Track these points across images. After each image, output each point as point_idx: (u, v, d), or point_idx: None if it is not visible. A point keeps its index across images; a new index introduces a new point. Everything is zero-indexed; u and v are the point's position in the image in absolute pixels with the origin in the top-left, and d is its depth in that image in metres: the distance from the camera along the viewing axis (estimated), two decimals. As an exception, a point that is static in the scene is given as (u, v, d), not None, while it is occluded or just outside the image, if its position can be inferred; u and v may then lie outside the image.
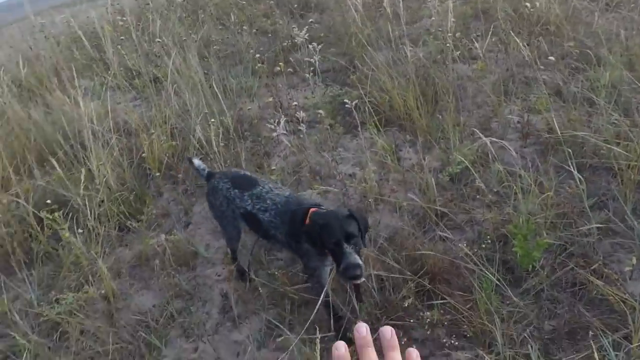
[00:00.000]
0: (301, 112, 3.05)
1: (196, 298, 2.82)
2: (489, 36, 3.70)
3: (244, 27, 5.47)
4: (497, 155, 3.02)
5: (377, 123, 3.54)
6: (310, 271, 2.28)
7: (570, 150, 2.53)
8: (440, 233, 2.45)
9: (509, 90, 3.61)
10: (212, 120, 3.69)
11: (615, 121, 2.73)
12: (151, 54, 5.20)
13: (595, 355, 1.73)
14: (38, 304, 2.86)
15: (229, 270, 2.85)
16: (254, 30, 5.56)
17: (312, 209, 2.17)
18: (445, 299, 2.24)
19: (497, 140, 2.62)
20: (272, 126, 2.96)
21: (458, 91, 3.62)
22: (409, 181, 3.00)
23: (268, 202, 2.36)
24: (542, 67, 3.57)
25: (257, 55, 4.63)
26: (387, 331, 0.68)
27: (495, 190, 2.71)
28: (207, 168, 2.86)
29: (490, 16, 4.52)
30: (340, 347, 0.68)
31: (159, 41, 4.93)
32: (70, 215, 3.26)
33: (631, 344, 1.81)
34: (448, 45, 3.70)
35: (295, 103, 3.36)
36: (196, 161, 2.88)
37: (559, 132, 2.75)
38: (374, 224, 2.81)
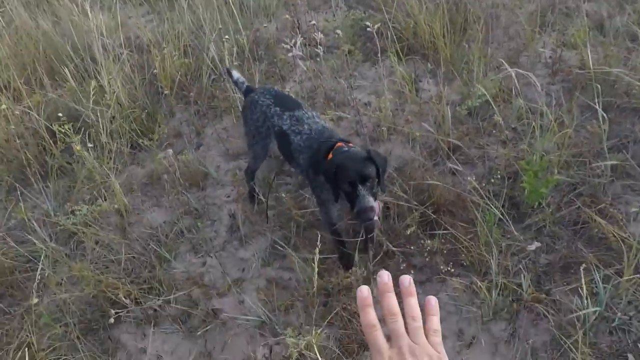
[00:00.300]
0: (319, 33, 3.16)
1: (205, 217, 3.12)
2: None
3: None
4: (521, 91, 3.13)
5: (399, 51, 3.63)
6: (320, 202, 2.48)
7: (599, 87, 2.60)
8: (451, 165, 2.64)
9: (546, 21, 3.62)
10: (227, 37, 3.81)
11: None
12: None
13: (584, 287, 1.97)
14: (54, 214, 3.20)
15: (238, 191, 3.12)
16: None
17: (338, 144, 2.31)
18: (447, 229, 2.47)
19: (523, 72, 2.71)
20: (288, 46, 3.10)
21: (490, 20, 3.64)
22: (425, 113, 3.15)
23: (305, 126, 2.49)
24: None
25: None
26: (406, 280, 0.81)
27: (513, 126, 2.85)
28: (247, 82, 2.98)
29: None
30: (364, 290, 0.79)
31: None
32: (82, 130, 3.53)
33: (622, 278, 2.02)
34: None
35: (313, 22, 3.44)
36: (235, 73, 2.97)
37: (591, 68, 2.82)
38: (386, 154, 3.01)
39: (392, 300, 0.79)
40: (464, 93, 3.19)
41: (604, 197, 2.48)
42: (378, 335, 0.78)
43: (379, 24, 3.27)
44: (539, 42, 3.42)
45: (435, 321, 0.80)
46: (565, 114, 2.85)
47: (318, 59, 3.44)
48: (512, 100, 2.88)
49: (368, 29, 3.21)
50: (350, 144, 2.33)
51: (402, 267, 2.47)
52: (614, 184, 2.55)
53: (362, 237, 2.52)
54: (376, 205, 2.10)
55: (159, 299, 2.54)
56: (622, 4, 3.66)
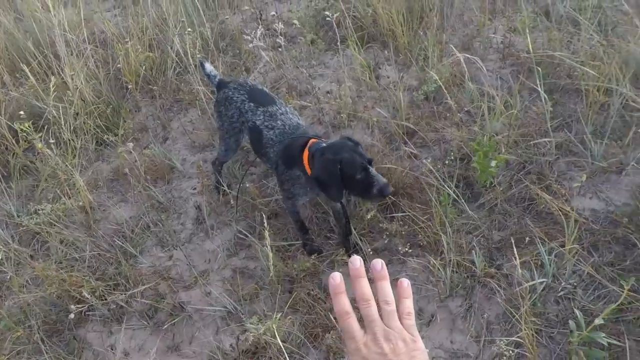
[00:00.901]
0: (279, 23, 3.15)
1: (171, 210, 3.10)
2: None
3: None
4: (473, 76, 3.18)
5: (359, 39, 3.64)
6: (289, 195, 2.46)
7: (540, 70, 2.66)
8: (408, 149, 2.67)
9: (497, 8, 3.67)
10: (189, 30, 3.77)
11: (595, 43, 2.85)
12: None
13: (531, 261, 2.03)
14: (17, 215, 3.14)
15: (203, 183, 3.11)
16: None
17: (312, 140, 2.28)
18: (405, 212, 2.51)
19: (471, 57, 2.76)
20: (249, 37, 3.08)
21: (445, 8, 3.67)
22: (384, 99, 3.17)
23: (278, 122, 2.47)
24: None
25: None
26: (378, 263, 0.79)
27: (466, 109, 2.89)
28: (219, 75, 2.91)
29: None
30: (337, 277, 0.78)
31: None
32: (45, 128, 3.46)
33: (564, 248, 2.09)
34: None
35: (273, 13, 3.43)
36: (208, 66, 2.89)
37: (534, 52, 2.88)
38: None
39: (364, 285, 0.78)
40: (421, 79, 3.22)
41: (550, 174, 2.55)
42: (352, 322, 0.77)
43: (339, 13, 3.27)
44: (491, 28, 3.46)
45: (408, 304, 0.80)
46: (515, 96, 2.90)
47: (280, 50, 3.43)
48: (465, 84, 2.92)
49: (327, 18, 3.22)
50: (321, 139, 2.33)
51: (366, 252, 2.51)
52: (559, 161, 2.62)
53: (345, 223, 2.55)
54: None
55: (124, 295, 2.52)
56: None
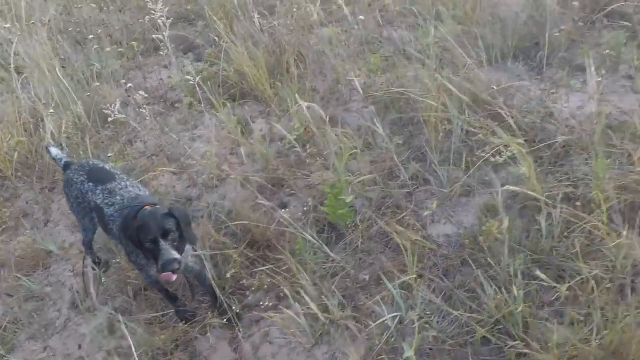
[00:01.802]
0: (142, 93, 3.17)
1: (47, 297, 2.94)
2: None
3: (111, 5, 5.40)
4: (340, 118, 3.29)
5: (233, 97, 3.71)
6: (138, 267, 2.43)
7: (391, 106, 2.79)
8: (260, 202, 2.63)
9: (354, 52, 3.84)
10: (51, 111, 3.73)
11: (438, 76, 3.02)
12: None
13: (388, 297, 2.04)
14: None
15: (77, 266, 2.98)
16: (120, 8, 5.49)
17: (145, 207, 2.27)
18: (272, 263, 2.49)
19: (311, 104, 2.83)
20: (110, 111, 3.06)
21: (313, 57, 3.81)
22: (255, 153, 3.20)
23: (118, 197, 2.47)
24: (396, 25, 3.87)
25: (114, 35, 4.63)
26: None
27: (326, 152, 2.95)
28: (66, 158, 2.89)
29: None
30: None
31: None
32: None
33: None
34: (310, 10, 3.88)
35: (130, 85, 3.47)
36: (53, 150, 2.89)
37: (388, 90, 3.03)
38: (220, 199, 3.02)
39: None
40: (290, 128, 3.28)
41: (410, 205, 2.62)
42: None
43: (202, 74, 3.32)
44: (353, 71, 3.60)
45: None
46: (373, 134, 3.00)
47: (147, 118, 3.42)
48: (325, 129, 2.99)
49: (190, 82, 3.27)
50: (157, 206, 2.31)
51: (237, 311, 2.45)
52: (418, 191, 2.70)
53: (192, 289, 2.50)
54: (180, 258, 2.10)
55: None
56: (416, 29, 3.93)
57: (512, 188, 2.01)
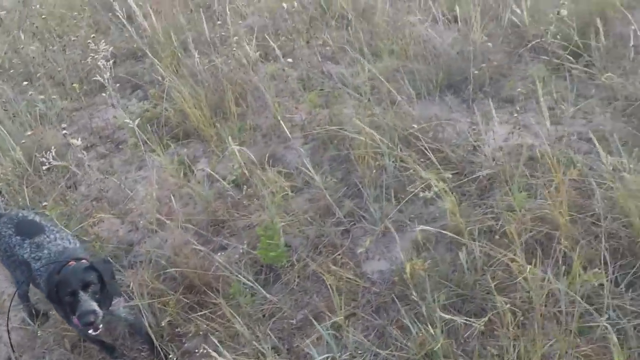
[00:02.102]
0: (76, 141, 3.15)
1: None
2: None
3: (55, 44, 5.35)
4: (281, 156, 3.34)
5: (177, 137, 3.73)
6: (68, 320, 2.39)
7: (329, 143, 2.84)
8: (196, 246, 2.65)
9: (304, 86, 3.93)
10: (7, 156, 3.66)
11: (374, 113, 3.12)
12: None
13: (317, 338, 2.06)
14: None
15: (14, 319, 2.90)
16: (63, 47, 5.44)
17: (71, 262, 2.26)
18: (210, 308, 2.48)
19: (244, 149, 2.89)
20: (44, 159, 3.03)
21: (254, 94, 3.87)
22: (198, 193, 3.20)
23: (45, 251, 2.45)
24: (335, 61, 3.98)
25: (58, 76, 4.60)
26: None
27: (261, 193, 2.99)
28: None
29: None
30: None
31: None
32: None
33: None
34: (249, 48, 3.95)
35: (64, 126, 3.46)
36: None
37: (326, 128, 3.10)
38: (161, 245, 3.00)
39: None
40: (229, 168, 3.31)
41: (347, 242, 2.67)
42: None
43: (147, 114, 3.32)
44: (293, 107, 3.67)
45: None
46: (315, 170, 3.05)
47: (86, 163, 3.40)
48: (259, 170, 3.03)
49: (130, 125, 3.28)
50: (84, 261, 2.29)
51: (175, 358, 2.42)
52: (355, 227, 2.75)
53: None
54: (99, 311, 2.08)
55: None
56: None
57: (426, 228, 2.08)
